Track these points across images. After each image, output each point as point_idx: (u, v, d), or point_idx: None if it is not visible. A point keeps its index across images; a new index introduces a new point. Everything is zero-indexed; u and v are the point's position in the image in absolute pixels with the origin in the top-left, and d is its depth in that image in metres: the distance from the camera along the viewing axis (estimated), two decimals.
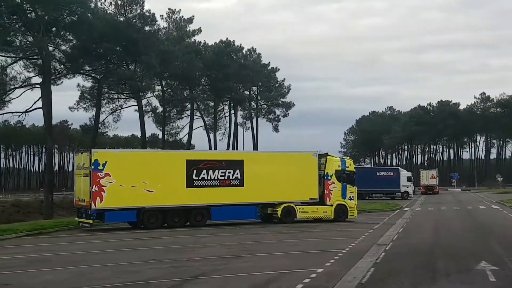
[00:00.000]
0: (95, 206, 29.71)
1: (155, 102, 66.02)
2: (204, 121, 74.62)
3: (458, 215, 43.14)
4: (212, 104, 76.77)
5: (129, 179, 30.63)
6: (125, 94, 56.77)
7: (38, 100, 44.52)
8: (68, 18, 46.22)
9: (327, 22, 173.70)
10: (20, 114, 47.06)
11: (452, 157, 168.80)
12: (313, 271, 16.05)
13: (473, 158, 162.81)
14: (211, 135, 75.88)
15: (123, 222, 31.97)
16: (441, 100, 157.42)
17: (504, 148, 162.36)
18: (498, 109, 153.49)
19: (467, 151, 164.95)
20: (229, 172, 32.99)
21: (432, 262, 18.63)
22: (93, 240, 25.97)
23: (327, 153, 36.74)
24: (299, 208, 34.57)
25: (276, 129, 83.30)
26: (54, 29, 46.22)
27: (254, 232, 29.08)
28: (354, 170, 37.09)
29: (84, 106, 56.47)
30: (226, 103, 78.27)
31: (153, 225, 31.15)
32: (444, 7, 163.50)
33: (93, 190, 29.68)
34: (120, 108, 58.47)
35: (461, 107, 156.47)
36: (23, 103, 47.67)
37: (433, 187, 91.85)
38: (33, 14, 43.76)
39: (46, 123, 43.17)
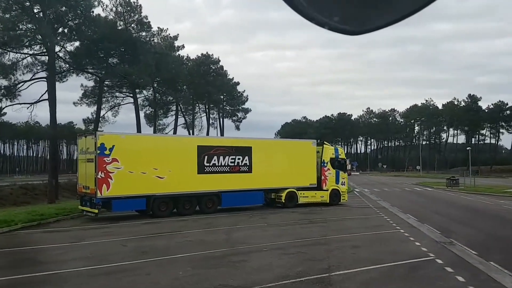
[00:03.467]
0: (101, 194, 18.01)
1: (147, 103, 53.86)
2: (185, 120, 62.54)
3: (417, 196, 33.33)
4: (191, 107, 64.95)
5: (139, 165, 19.02)
6: (123, 92, 44.24)
7: (44, 93, 32.46)
8: (73, 20, 33.93)
9: (258, 64, 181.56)
10: (29, 105, 33.91)
11: (347, 151, 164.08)
12: None
13: (359, 152, 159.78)
14: (190, 131, 63.66)
15: (130, 211, 20.21)
16: (340, 112, 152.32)
17: (381, 145, 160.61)
18: (376, 119, 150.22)
19: (353, 147, 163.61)
20: (239, 159, 21.83)
21: None
22: (99, 239, 13.97)
23: (323, 141, 26.06)
24: (300, 193, 23.93)
25: (238, 128, 71.98)
26: (60, 29, 33.88)
27: (275, 222, 17.86)
28: (345, 158, 26.58)
29: (87, 102, 43.69)
30: (202, 105, 66.47)
31: (163, 212, 19.64)
32: (329, 58, 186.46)
33: (99, 176, 17.97)
34: (118, 105, 45.94)
35: (353, 117, 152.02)
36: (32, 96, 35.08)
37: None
38: (41, 13, 31.28)
39: (51, 112, 30.45)
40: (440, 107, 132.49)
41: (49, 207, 22.05)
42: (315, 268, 9.81)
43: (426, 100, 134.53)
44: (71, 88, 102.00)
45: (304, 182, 24.08)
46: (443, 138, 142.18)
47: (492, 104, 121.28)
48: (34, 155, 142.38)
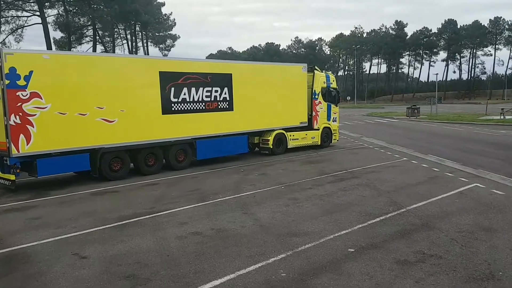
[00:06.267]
0: (19, 151, 11.30)
1: (56, 26, 43.54)
2: (105, 47, 52.82)
3: (396, 129, 29.47)
4: (108, 33, 54.88)
5: (74, 102, 12.31)
6: (27, 11, 34.44)
7: None
8: None
9: None
10: None
11: None
12: None
13: None
14: None
15: (65, 173, 13.61)
16: (268, 42, 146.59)
17: None
18: (304, 49, 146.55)
19: None
20: (216, 91, 15.74)
21: None
22: (26, 238, 7.56)
23: (313, 66, 20.50)
24: (290, 135, 18.71)
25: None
26: None
27: (290, 182, 12.46)
28: (337, 87, 21.37)
29: None
30: (123, 30, 56.64)
31: (117, 173, 13.39)
32: None
33: (12, 123, 11.13)
34: (21, 27, 36.12)
35: (281, 47, 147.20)
36: None
37: None
38: None
39: None
40: (365, 35, 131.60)
41: None
42: None
43: (356, 28, 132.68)
44: None
45: (294, 120, 18.80)
46: (365, 68, 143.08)
47: (418, 31, 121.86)
48: None
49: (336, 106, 21.01)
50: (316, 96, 19.82)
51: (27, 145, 11.43)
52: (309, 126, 19.56)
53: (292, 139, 18.79)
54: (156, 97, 14.05)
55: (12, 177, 11.50)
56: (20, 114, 11.29)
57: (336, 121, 21.01)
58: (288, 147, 18.62)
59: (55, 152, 12.14)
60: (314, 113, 19.75)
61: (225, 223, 8.35)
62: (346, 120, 41.47)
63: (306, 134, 19.42)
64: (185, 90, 14.70)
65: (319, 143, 19.95)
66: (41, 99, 11.65)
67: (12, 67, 11.08)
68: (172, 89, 14.40)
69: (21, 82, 11.26)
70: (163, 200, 10.51)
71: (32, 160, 11.72)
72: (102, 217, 9.07)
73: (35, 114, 11.55)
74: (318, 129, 19.94)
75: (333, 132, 20.78)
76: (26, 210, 9.89)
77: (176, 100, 14.51)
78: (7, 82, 10.99)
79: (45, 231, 8.18)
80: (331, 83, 20.69)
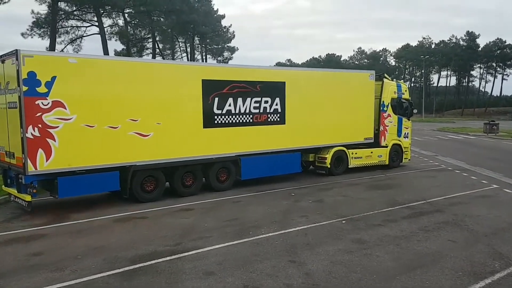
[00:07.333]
0: (36, 167, 9.82)
1: (117, 36, 43.76)
2: (164, 59, 52.85)
3: (477, 148, 25.84)
4: (169, 45, 55.17)
5: (103, 113, 10.70)
6: (86, 21, 34.63)
7: None
8: None
9: (234, 5, 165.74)
10: None
11: None
12: None
13: None
14: None
15: (90, 194, 12.02)
16: (329, 53, 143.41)
17: None
18: (367, 60, 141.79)
19: None
20: (266, 102, 13.66)
21: None
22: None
23: (383, 74, 17.91)
24: (352, 153, 16.21)
25: None
26: None
27: (348, 213, 10.08)
28: (409, 98, 18.57)
29: (39, 32, 34.07)
30: (183, 42, 56.65)
31: (150, 194, 11.66)
32: None
33: (29, 136, 9.65)
34: (80, 37, 36.40)
35: (343, 58, 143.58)
36: None
37: None
38: None
39: None
40: (433, 46, 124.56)
41: None
42: None
43: (424, 38, 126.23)
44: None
45: (357, 136, 16.30)
46: (433, 80, 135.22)
47: (490, 42, 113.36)
48: None
49: (409, 120, 18.22)
50: (385, 108, 17.21)
51: (46, 161, 9.95)
52: (375, 143, 16.96)
53: (355, 158, 16.29)
54: (197, 108, 12.24)
55: (28, 197, 10.06)
56: (40, 125, 9.84)
57: (408, 137, 18.23)
58: (349, 166, 16.14)
59: (79, 169, 10.60)
60: (381, 128, 17.14)
61: (264, 276, 6.19)
62: (415, 135, 37.82)
63: (372, 152, 16.83)
64: (230, 100, 12.78)
65: (387, 163, 17.27)
66: (65, 109, 10.17)
67: (32, 71, 9.68)
68: (216, 99, 12.53)
69: (42, 89, 9.83)
70: (193, 232, 8.55)
71: (52, 178, 10.25)
72: (114, 256, 7.24)
73: (58, 126, 10.07)
74: (386, 146, 17.29)
75: (404, 150, 17.99)
76: (31, 241, 8.29)
77: (219, 112, 12.62)
78: (24, 88, 9.58)
79: (38, 275, 6.47)
80: (403, 94, 17.96)
